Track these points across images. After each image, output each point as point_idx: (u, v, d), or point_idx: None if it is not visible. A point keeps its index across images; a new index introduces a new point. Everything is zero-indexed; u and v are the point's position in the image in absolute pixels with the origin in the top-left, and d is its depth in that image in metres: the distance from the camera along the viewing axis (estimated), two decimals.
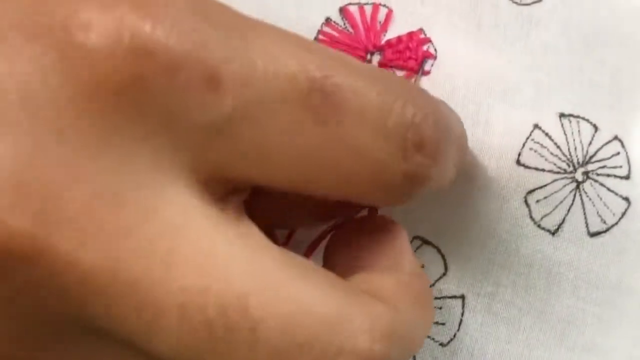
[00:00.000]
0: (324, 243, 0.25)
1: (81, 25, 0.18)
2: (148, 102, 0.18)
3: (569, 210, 0.26)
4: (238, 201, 0.20)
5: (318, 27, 0.26)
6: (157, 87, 0.18)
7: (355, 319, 0.19)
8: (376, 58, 0.26)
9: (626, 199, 0.26)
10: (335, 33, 0.26)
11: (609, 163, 0.26)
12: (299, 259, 0.20)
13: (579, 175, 0.26)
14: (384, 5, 0.26)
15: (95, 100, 0.18)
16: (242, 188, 0.20)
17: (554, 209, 0.26)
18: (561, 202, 0.26)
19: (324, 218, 0.25)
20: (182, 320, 0.18)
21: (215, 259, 0.19)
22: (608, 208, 0.26)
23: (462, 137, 0.23)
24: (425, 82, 0.26)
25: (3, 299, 0.19)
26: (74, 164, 0.18)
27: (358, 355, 0.19)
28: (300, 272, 0.19)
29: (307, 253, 0.25)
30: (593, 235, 0.26)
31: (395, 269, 0.22)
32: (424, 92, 0.21)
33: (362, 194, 0.20)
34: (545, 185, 0.26)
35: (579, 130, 0.26)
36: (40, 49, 0.18)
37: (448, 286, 0.26)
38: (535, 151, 0.26)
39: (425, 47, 0.26)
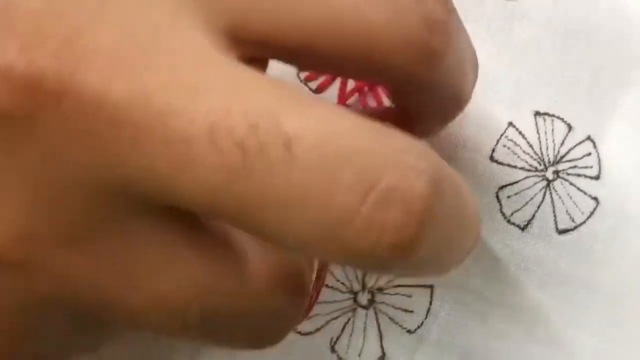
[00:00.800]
0: None
1: None
2: None
3: (538, 207, 0.27)
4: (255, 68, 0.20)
5: None
6: None
7: (397, 140, 0.18)
8: None
9: (595, 199, 0.27)
10: None
11: (579, 163, 0.27)
12: None
13: (549, 174, 0.27)
14: None
15: None
16: (258, 58, 0.20)
17: (524, 205, 0.27)
18: (531, 198, 0.27)
19: None
20: (212, 146, 0.17)
21: (240, 85, 0.18)
22: (577, 207, 0.27)
23: (469, 39, 0.23)
24: None
25: (35, 159, 0.18)
26: (91, 4, 0.18)
27: (407, 169, 0.18)
28: (330, 103, 0.19)
29: None
30: (561, 232, 0.27)
31: None
32: None
33: (382, 48, 0.20)
34: (516, 182, 0.27)
35: (552, 130, 0.27)
36: None
37: None
38: (509, 148, 0.27)
39: None
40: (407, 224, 0.18)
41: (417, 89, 0.21)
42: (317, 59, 0.20)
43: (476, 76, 0.23)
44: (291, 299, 0.21)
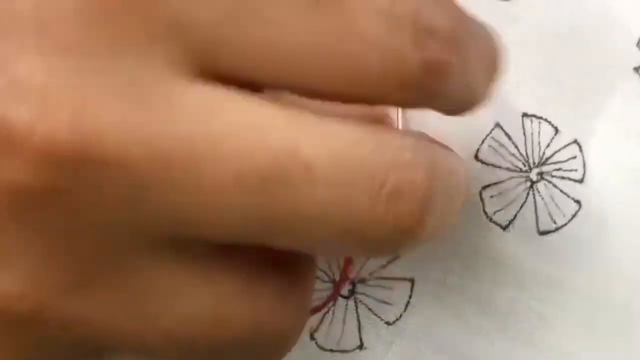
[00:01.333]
0: None
1: None
2: (154, 9, 0.19)
3: (521, 207, 0.27)
4: None
5: None
6: None
7: (394, 140, 0.20)
8: None
9: (578, 202, 0.27)
10: None
11: (564, 166, 0.27)
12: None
13: (533, 175, 0.27)
14: None
15: (103, 13, 0.18)
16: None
17: (506, 205, 0.27)
18: (514, 199, 0.27)
19: None
20: (240, 187, 0.19)
21: (252, 124, 0.19)
22: (559, 209, 0.27)
23: (490, 41, 0.22)
24: None
25: (58, 224, 0.19)
26: (89, 71, 0.18)
27: (406, 166, 0.20)
28: (330, 113, 0.20)
29: None
30: (542, 233, 0.27)
31: None
32: None
33: (380, 92, 0.20)
34: (500, 182, 0.27)
35: (539, 132, 0.27)
36: None
37: (400, 268, 0.27)
38: (494, 149, 0.27)
39: None
40: (414, 212, 0.20)
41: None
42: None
43: (493, 75, 0.23)
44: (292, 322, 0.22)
